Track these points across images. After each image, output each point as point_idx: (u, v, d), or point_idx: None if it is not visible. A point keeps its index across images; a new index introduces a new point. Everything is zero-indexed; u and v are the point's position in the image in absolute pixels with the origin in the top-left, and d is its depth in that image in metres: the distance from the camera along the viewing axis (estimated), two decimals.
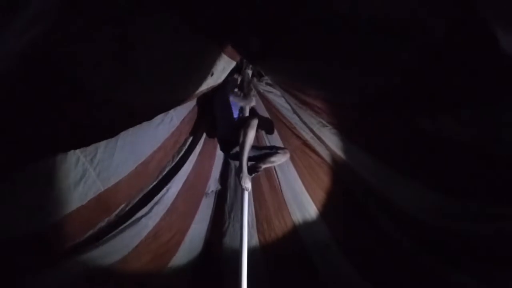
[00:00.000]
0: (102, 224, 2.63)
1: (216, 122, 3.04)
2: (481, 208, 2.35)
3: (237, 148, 2.86)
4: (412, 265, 3.16)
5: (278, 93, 3.20)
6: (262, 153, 3.03)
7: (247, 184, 2.85)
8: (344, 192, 3.44)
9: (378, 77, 1.92)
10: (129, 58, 1.76)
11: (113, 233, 2.72)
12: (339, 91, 2.41)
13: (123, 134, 2.29)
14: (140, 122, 2.28)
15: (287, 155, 3.11)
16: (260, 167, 2.96)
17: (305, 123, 3.18)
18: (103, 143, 2.26)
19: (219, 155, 3.55)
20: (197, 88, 2.38)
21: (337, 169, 3.34)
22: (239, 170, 2.83)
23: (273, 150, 3.06)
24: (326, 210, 3.56)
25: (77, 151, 2.17)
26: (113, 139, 2.27)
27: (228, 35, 2.05)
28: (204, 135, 3.22)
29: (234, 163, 3.27)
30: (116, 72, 1.77)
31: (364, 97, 2.29)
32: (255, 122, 2.83)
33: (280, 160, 3.08)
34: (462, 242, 2.67)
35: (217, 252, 3.87)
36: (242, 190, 2.87)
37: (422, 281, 3.15)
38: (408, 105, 2.15)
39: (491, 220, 2.38)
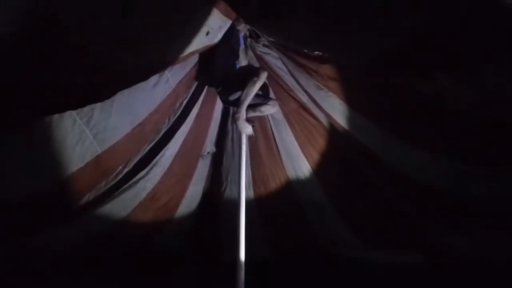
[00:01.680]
0: (101, 186, 2.65)
1: (217, 65, 2.94)
2: (474, 169, 2.42)
3: (237, 94, 2.83)
4: (404, 224, 3.28)
5: (275, 55, 3.14)
6: (255, 103, 3.00)
7: (246, 128, 2.86)
8: (339, 154, 3.48)
9: (378, 38, 1.90)
10: (122, 17, 1.71)
11: (112, 195, 2.76)
12: (337, 53, 2.42)
13: (119, 96, 2.25)
14: (135, 83, 2.25)
15: (276, 107, 3.15)
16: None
17: (301, 86, 3.16)
18: (99, 105, 2.24)
19: (216, 117, 3.54)
20: (192, 47, 2.33)
21: (333, 131, 3.35)
22: (238, 115, 2.81)
23: (264, 101, 3.07)
24: (321, 171, 3.61)
25: (73, 112, 2.16)
26: (109, 100, 2.24)
27: None
28: (202, 97, 3.18)
29: (232, 109, 3.23)
30: (110, 31, 1.73)
31: (363, 58, 2.28)
32: (264, 75, 2.79)
33: (269, 111, 3.14)
34: (455, 201, 2.76)
35: (215, 213, 3.94)
36: (240, 151, 2.85)
37: (413, 239, 3.30)
38: (406, 67, 2.15)
39: (483, 180, 2.46)
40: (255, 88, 2.76)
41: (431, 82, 2.12)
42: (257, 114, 3.06)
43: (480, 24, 1.59)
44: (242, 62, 3.10)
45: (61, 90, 1.86)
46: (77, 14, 1.59)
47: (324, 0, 1.74)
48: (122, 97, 2.32)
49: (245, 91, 2.74)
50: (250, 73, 2.81)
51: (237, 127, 2.88)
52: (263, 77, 2.78)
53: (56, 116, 2.08)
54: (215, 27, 2.39)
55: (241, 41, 2.98)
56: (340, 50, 2.34)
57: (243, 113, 2.80)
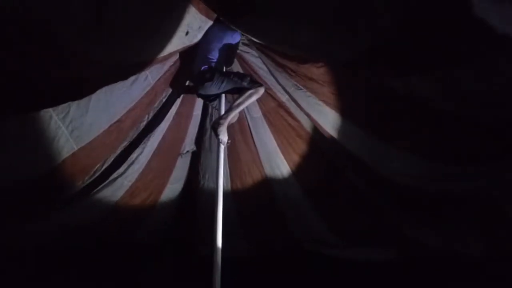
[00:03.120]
0: (78, 183, 2.61)
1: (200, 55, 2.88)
2: (450, 168, 2.50)
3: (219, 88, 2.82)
4: (379, 221, 3.39)
5: (255, 53, 3.16)
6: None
7: (225, 137, 2.79)
8: (317, 153, 3.52)
9: (353, 38, 1.93)
10: (101, 13, 1.70)
11: (90, 193, 2.73)
12: (315, 53, 2.43)
13: (96, 92, 2.23)
14: (114, 81, 2.25)
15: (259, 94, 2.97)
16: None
17: (281, 85, 3.17)
18: (75, 101, 2.19)
19: (196, 116, 3.54)
20: (171, 47, 2.32)
21: (311, 131, 3.40)
22: (219, 122, 2.76)
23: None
24: (298, 169, 3.65)
25: (50, 109, 2.11)
26: (86, 97, 2.22)
27: None
28: (181, 95, 3.17)
29: (212, 107, 3.20)
30: (86, 29, 1.72)
31: (338, 58, 2.30)
32: (262, 92, 2.80)
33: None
34: (429, 199, 2.85)
35: (193, 210, 3.97)
36: (218, 150, 2.80)
37: (389, 236, 3.40)
38: (381, 68, 2.20)
39: (458, 179, 2.56)
40: (250, 101, 2.77)
41: (406, 83, 2.17)
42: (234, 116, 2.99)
43: (452, 26, 1.65)
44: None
45: (37, 87, 1.84)
46: (52, 11, 1.57)
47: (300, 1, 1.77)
48: (100, 94, 2.28)
49: (239, 101, 2.74)
50: (250, 82, 2.81)
51: (216, 134, 2.78)
52: (260, 93, 2.79)
53: (32, 112, 2.05)
54: (194, 27, 2.40)
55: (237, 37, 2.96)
56: (316, 50, 2.36)
57: (227, 120, 2.77)
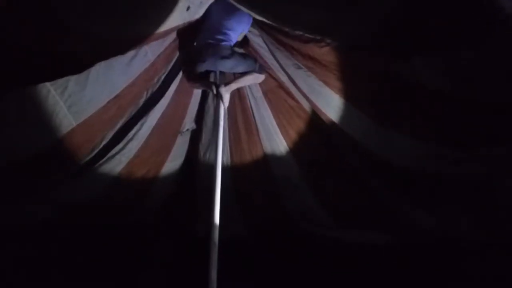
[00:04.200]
0: (77, 160, 2.62)
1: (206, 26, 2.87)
2: (448, 151, 2.52)
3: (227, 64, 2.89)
4: (378, 203, 3.38)
5: (256, 32, 3.10)
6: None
7: (227, 101, 2.94)
8: (315, 134, 3.52)
9: (359, 18, 1.91)
10: None
11: (87, 170, 2.74)
12: (319, 32, 2.38)
13: (95, 67, 2.20)
14: (113, 55, 2.22)
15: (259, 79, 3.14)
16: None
17: (280, 65, 3.13)
18: (74, 76, 2.16)
19: (196, 94, 3.50)
20: (172, 22, 2.28)
21: (310, 111, 3.39)
22: (226, 88, 2.91)
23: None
24: (297, 150, 3.65)
25: (48, 83, 2.08)
26: (85, 71, 2.18)
27: None
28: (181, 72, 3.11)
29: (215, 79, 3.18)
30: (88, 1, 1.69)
31: (343, 40, 2.30)
32: (263, 78, 3.04)
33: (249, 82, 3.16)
34: (425, 182, 2.86)
35: (191, 188, 3.97)
36: (218, 127, 2.84)
37: (385, 219, 3.42)
38: (384, 48, 2.17)
39: (454, 163, 2.57)
40: (251, 83, 3.06)
41: (408, 66, 2.16)
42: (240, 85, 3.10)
43: (453, 9, 1.62)
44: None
45: (35, 61, 1.84)
46: None
47: None
48: (99, 69, 2.24)
49: (245, 78, 2.95)
50: (259, 68, 3.00)
51: (221, 98, 2.90)
52: (261, 79, 3.05)
53: (29, 86, 2.03)
54: (196, 2, 2.36)
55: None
56: (321, 31, 2.33)
57: (230, 89, 2.94)
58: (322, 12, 1.94)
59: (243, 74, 2.97)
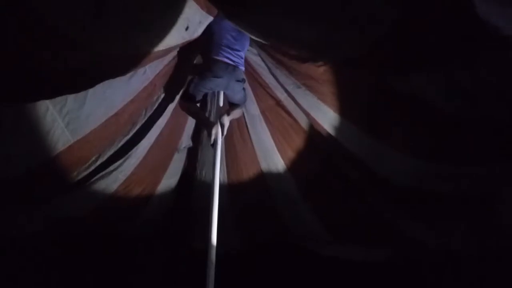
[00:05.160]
0: (72, 176, 2.61)
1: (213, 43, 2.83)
2: (444, 167, 2.53)
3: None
4: (374, 219, 3.37)
5: (255, 51, 3.13)
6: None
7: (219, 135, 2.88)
8: (314, 152, 3.50)
9: (355, 35, 1.91)
10: (101, 5, 1.68)
11: (83, 186, 2.72)
12: (316, 51, 2.41)
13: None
14: (112, 76, 2.23)
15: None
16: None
17: (280, 83, 3.17)
18: (72, 94, 2.19)
19: None
20: (171, 41, 2.30)
21: (309, 129, 3.38)
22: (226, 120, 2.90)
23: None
24: (295, 167, 3.63)
25: (46, 100, 2.10)
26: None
27: None
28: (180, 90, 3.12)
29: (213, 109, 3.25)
30: (85, 22, 1.70)
31: (340, 56, 2.32)
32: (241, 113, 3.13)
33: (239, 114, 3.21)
34: (423, 197, 2.87)
35: (187, 206, 3.95)
36: (215, 146, 2.82)
37: (384, 235, 3.40)
38: (383, 64, 2.20)
39: (451, 179, 2.59)
40: (239, 113, 3.14)
41: (406, 82, 2.19)
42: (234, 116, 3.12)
43: (451, 25, 1.64)
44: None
45: (35, 78, 1.82)
46: (52, 3, 1.56)
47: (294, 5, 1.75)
48: (97, 87, 2.24)
49: (236, 110, 3.04)
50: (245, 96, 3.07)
51: (222, 128, 2.89)
52: (240, 114, 3.17)
53: (28, 102, 2.04)
54: (195, 22, 2.37)
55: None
56: (317, 48, 2.34)
57: (230, 119, 2.96)
58: (318, 30, 1.95)
59: (236, 106, 3.05)
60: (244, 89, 3.02)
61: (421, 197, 2.87)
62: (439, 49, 1.82)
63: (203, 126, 3.00)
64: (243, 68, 2.91)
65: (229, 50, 2.79)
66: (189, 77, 3.02)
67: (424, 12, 1.63)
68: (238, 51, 2.85)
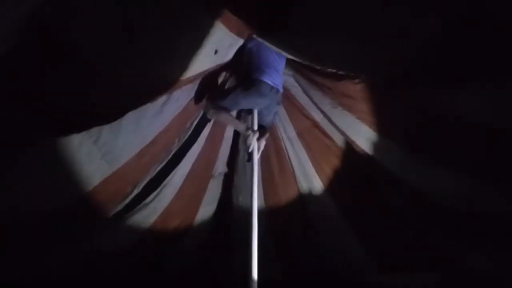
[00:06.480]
0: (110, 208, 2.59)
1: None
2: (494, 187, 2.33)
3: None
4: (419, 244, 3.17)
5: (289, 72, 3.11)
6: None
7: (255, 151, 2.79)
8: (354, 173, 3.40)
9: (394, 51, 1.83)
10: (133, 35, 1.69)
11: (120, 220, 2.71)
12: (354, 69, 2.35)
13: (127, 115, 2.19)
14: (144, 103, 2.22)
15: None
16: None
17: (315, 104, 3.13)
18: (107, 125, 2.16)
19: (228, 137, 3.49)
20: (201, 66, 2.29)
21: (348, 150, 3.28)
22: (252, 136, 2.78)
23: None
24: (335, 190, 3.53)
25: (81, 133, 2.07)
26: (117, 120, 2.18)
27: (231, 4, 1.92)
28: None
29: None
30: (116, 50, 1.71)
31: (379, 74, 2.24)
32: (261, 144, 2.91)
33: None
34: (474, 220, 2.64)
35: (226, 233, 3.90)
36: (252, 170, 2.71)
37: (432, 262, 3.18)
38: (424, 81, 2.08)
39: (503, 199, 2.35)
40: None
41: (450, 97, 2.05)
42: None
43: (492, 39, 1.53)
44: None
45: (69, 110, 1.84)
46: (84, 33, 1.57)
47: (337, 15, 1.69)
48: (131, 117, 2.24)
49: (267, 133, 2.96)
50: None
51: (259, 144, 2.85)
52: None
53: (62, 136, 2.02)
54: (224, 45, 2.34)
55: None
56: (355, 68, 2.28)
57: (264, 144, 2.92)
58: (359, 46, 1.87)
59: (264, 129, 2.94)
60: (276, 112, 2.97)
61: (473, 221, 2.65)
62: (487, 60, 1.70)
63: (241, 130, 2.90)
64: (281, 90, 2.84)
65: (274, 71, 2.72)
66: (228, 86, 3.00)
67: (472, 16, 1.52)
68: (279, 71, 2.80)
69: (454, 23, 1.55)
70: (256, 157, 2.75)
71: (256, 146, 2.75)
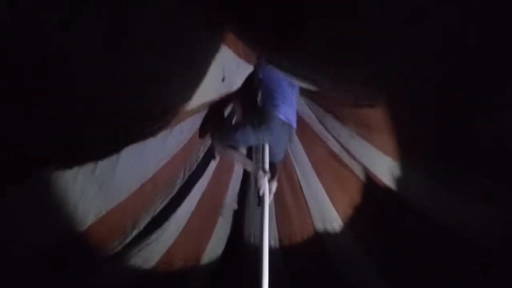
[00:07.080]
0: (105, 250, 2.41)
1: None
2: None
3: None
4: (451, 280, 2.86)
5: (301, 101, 3.00)
6: None
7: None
8: (375, 207, 3.21)
9: (419, 67, 1.65)
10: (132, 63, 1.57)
11: (118, 262, 2.54)
12: (371, 92, 2.17)
13: (125, 148, 2.05)
14: (143, 138, 2.09)
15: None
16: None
17: (331, 133, 3.02)
18: (103, 159, 2.02)
19: (237, 171, 3.38)
20: (206, 96, 2.16)
21: (365, 181, 3.13)
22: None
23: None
24: (354, 225, 3.37)
25: (75, 167, 1.92)
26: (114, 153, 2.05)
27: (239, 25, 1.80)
28: None
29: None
30: (120, 79, 1.59)
31: (398, 97, 2.07)
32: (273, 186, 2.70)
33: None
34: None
35: (237, 276, 3.66)
36: (262, 216, 2.44)
37: None
38: (450, 105, 1.89)
39: None
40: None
41: (491, 119, 1.82)
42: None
43: None
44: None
45: (62, 140, 1.71)
46: (80, 62, 1.45)
47: (348, 35, 1.54)
48: (129, 149, 2.09)
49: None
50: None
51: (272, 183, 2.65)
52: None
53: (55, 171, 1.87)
54: (231, 71, 2.21)
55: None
56: (377, 84, 2.09)
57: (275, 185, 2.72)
58: (382, 62, 1.71)
59: (274, 167, 2.74)
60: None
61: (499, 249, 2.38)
62: None
63: (251, 170, 2.72)
64: (295, 126, 2.63)
65: (287, 104, 2.54)
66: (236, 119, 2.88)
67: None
68: (293, 104, 2.62)
69: (493, 35, 1.38)
70: (268, 200, 2.52)
71: (267, 189, 2.53)
